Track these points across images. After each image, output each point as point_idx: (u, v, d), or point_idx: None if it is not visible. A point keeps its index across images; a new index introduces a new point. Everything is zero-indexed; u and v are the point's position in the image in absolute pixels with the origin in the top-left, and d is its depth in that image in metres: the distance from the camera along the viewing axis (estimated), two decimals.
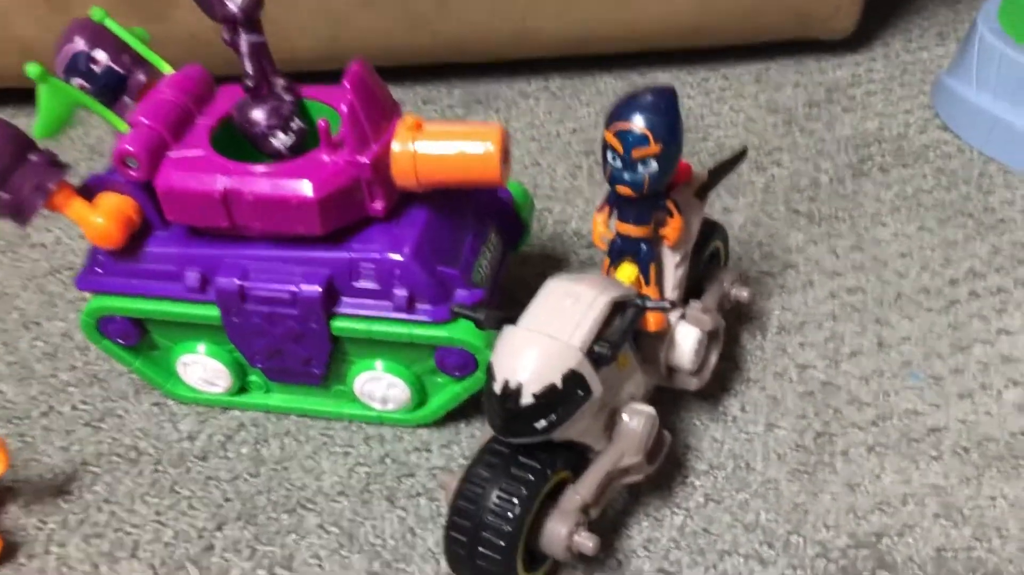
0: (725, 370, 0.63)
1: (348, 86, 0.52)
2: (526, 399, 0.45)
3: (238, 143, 0.56)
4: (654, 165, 0.50)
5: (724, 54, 0.92)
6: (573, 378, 0.46)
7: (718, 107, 0.87)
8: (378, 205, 0.54)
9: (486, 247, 0.60)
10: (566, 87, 0.91)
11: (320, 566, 0.54)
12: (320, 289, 0.54)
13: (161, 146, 0.54)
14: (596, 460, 0.50)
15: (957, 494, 0.55)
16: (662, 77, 0.91)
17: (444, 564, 0.53)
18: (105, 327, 0.59)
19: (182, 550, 0.55)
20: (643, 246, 0.54)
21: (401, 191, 0.55)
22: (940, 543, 0.53)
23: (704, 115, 0.86)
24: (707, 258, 0.62)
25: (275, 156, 0.56)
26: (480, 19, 0.85)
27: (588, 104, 0.88)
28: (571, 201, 0.78)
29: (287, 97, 0.57)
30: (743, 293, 0.61)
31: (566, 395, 0.46)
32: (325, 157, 0.53)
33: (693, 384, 0.57)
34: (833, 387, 0.62)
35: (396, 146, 0.53)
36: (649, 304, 0.50)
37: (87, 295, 0.60)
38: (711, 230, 0.62)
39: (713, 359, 0.59)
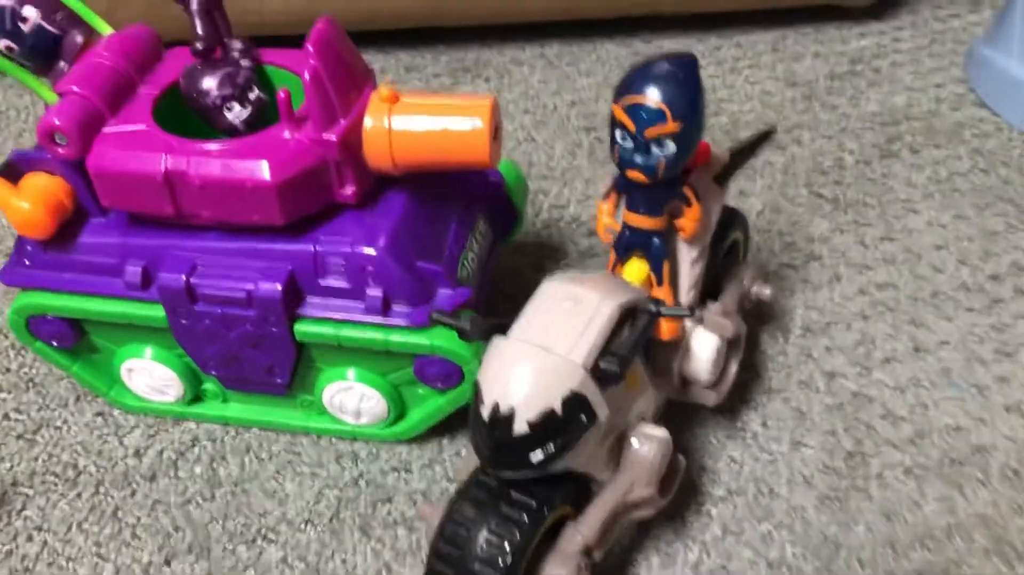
0: (744, 379, 0.56)
1: (311, 49, 0.44)
2: (519, 427, 0.38)
3: (186, 117, 0.49)
4: (671, 146, 0.42)
5: (737, 20, 0.85)
6: (575, 401, 0.38)
7: (732, 79, 0.79)
8: (348, 190, 0.47)
9: (473, 237, 0.53)
10: (564, 54, 0.83)
11: None
12: (280, 287, 0.46)
13: (95, 119, 0.47)
14: (600, 493, 0.43)
15: (1009, 526, 0.48)
16: (669, 44, 0.83)
17: None
18: (37, 327, 0.52)
19: None
20: (655, 240, 0.46)
21: (376, 174, 0.47)
22: None
23: (716, 87, 0.78)
24: (725, 251, 0.54)
25: (229, 132, 0.48)
26: None
27: (588, 74, 0.80)
28: (569, 182, 0.70)
29: (244, 62, 0.49)
30: (765, 291, 0.54)
31: (567, 422, 0.39)
32: (286, 134, 0.45)
33: (711, 399, 0.50)
34: (865, 398, 0.55)
35: (369, 122, 0.45)
36: (664, 311, 0.42)
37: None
38: (730, 219, 0.54)
39: (733, 369, 0.51)
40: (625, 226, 0.47)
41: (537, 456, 0.39)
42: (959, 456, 0.52)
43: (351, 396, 0.51)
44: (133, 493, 0.52)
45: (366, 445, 0.54)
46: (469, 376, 0.48)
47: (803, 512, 0.49)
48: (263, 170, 0.44)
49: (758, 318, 0.59)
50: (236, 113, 0.48)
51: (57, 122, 0.45)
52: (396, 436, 0.53)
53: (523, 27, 0.84)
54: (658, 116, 0.41)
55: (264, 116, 0.49)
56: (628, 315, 0.42)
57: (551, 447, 0.39)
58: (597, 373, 0.39)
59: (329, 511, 0.51)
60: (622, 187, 0.46)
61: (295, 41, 0.83)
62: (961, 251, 0.63)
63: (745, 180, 0.69)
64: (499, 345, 0.40)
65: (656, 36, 0.84)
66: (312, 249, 0.47)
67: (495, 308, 0.60)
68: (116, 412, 0.56)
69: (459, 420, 0.52)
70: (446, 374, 0.48)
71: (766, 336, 0.58)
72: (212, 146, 0.45)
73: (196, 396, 0.55)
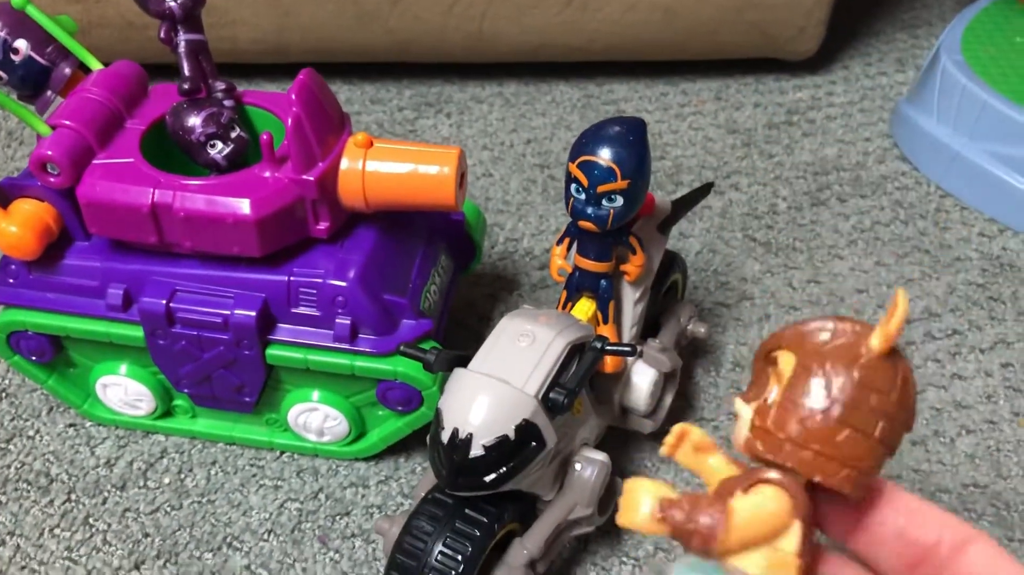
0: (677, 408, 0.60)
1: (295, 98, 0.47)
2: (476, 451, 0.42)
3: (170, 150, 0.52)
4: (620, 201, 0.47)
5: (683, 68, 0.90)
6: (527, 429, 0.43)
7: (676, 124, 0.85)
8: (322, 226, 0.50)
9: (436, 271, 0.57)
10: (521, 94, 0.87)
11: None
12: (255, 314, 0.50)
13: (85, 152, 0.50)
14: (545, 511, 0.48)
15: None
16: (619, 89, 0.88)
17: None
18: (16, 342, 0.54)
19: None
20: (603, 282, 0.51)
21: (348, 212, 0.51)
22: None
23: (662, 132, 0.83)
24: (665, 291, 0.59)
25: (211, 167, 0.52)
26: (436, 19, 0.81)
27: (543, 114, 0.85)
28: (524, 217, 0.75)
29: (227, 102, 0.53)
30: (700, 329, 0.59)
31: (519, 447, 0.43)
32: (267, 173, 0.49)
33: (648, 427, 0.55)
34: None
35: (345, 164, 0.49)
36: (609, 348, 0.47)
37: None
38: (671, 262, 0.59)
39: (668, 400, 0.56)
40: (576, 269, 0.51)
41: (490, 477, 0.43)
42: None
43: (315, 416, 0.55)
44: (104, 501, 0.55)
45: (326, 461, 0.57)
46: (428, 401, 0.52)
47: None
48: (244, 206, 0.48)
49: (692, 353, 0.64)
50: (218, 150, 0.52)
51: (50, 153, 0.48)
52: (355, 454, 0.57)
53: (484, 66, 0.88)
54: (609, 174, 0.46)
55: (244, 153, 0.52)
56: (577, 350, 0.47)
57: (503, 470, 0.43)
58: (547, 403, 0.44)
59: (291, 522, 0.54)
60: (574, 233, 0.51)
61: (266, 69, 0.87)
62: (880, 295, 0.69)
63: (686, 222, 0.74)
64: (460, 376, 0.44)
65: (608, 80, 0.89)
66: (286, 280, 0.50)
67: (453, 336, 0.64)
68: (88, 423, 0.59)
69: (415, 440, 0.56)
70: (407, 398, 0.52)
71: (699, 369, 0.63)
72: (196, 182, 0.49)
73: (166, 411, 0.58)
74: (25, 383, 0.61)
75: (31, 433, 0.58)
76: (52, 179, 0.49)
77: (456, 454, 0.42)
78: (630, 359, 0.53)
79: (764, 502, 0.25)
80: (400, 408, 0.53)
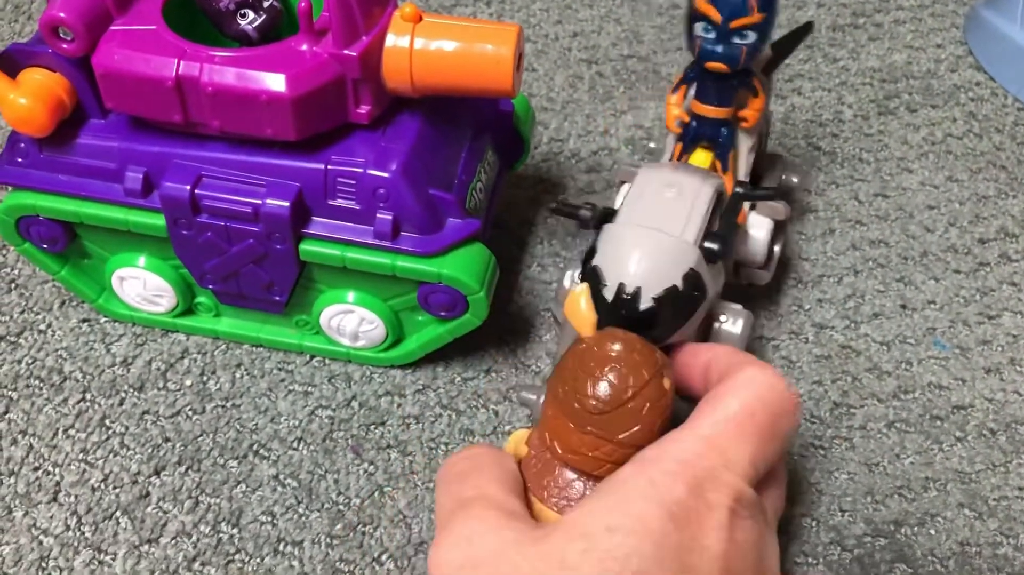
0: None
1: None
2: (645, 303, 0.38)
3: (195, 20, 0.47)
4: (752, 37, 0.45)
5: None
6: (693, 278, 0.39)
7: None
8: (363, 110, 0.45)
9: (482, 167, 0.52)
10: None
11: (273, 524, 0.47)
12: (288, 205, 0.45)
13: (102, 15, 0.44)
14: None
15: (983, 482, 0.50)
16: None
17: (416, 530, 0.47)
18: (26, 228, 0.50)
19: (112, 496, 0.47)
20: (723, 129, 0.49)
21: (392, 95, 0.46)
22: (964, 536, 0.48)
23: None
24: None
25: (241, 39, 0.47)
26: None
27: (591, 5, 0.79)
28: (570, 116, 0.69)
29: None
30: (795, 178, 0.57)
31: (687, 297, 0.39)
32: (304, 46, 0.44)
33: (764, 278, 0.53)
34: (852, 351, 0.56)
35: (391, 40, 0.44)
36: (753, 193, 0.45)
37: (7, 188, 0.50)
38: None
39: (778, 250, 0.54)
40: (693, 117, 0.49)
41: (657, 331, 0.39)
42: (939, 413, 0.53)
43: (351, 319, 0.51)
44: (121, 402, 0.51)
45: (360, 367, 0.53)
46: (474, 307, 0.48)
47: (789, 458, 0.51)
48: (278, 83, 0.43)
49: None
50: (249, 20, 0.46)
51: (62, 15, 0.43)
52: (391, 361, 0.53)
53: None
54: (743, 7, 0.44)
55: (277, 26, 0.47)
56: (719, 199, 0.43)
57: (672, 321, 0.39)
58: (704, 252, 0.40)
59: (322, 431, 0.50)
60: (693, 78, 0.48)
61: None
62: (952, 213, 0.64)
63: None
64: (614, 231, 0.40)
65: None
66: (323, 168, 0.45)
67: (493, 240, 0.59)
68: (103, 319, 0.55)
69: (455, 348, 0.52)
70: (450, 303, 0.48)
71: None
72: (226, 54, 0.43)
73: (188, 308, 0.54)
74: (36, 273, 0.57)
75: (43, 327, 0.54)
76: (65, 45, 0.44)
77: (625, 309, 0.39)
78: (744, 210, 0.51)
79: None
80: (443, 314, 0.49)
